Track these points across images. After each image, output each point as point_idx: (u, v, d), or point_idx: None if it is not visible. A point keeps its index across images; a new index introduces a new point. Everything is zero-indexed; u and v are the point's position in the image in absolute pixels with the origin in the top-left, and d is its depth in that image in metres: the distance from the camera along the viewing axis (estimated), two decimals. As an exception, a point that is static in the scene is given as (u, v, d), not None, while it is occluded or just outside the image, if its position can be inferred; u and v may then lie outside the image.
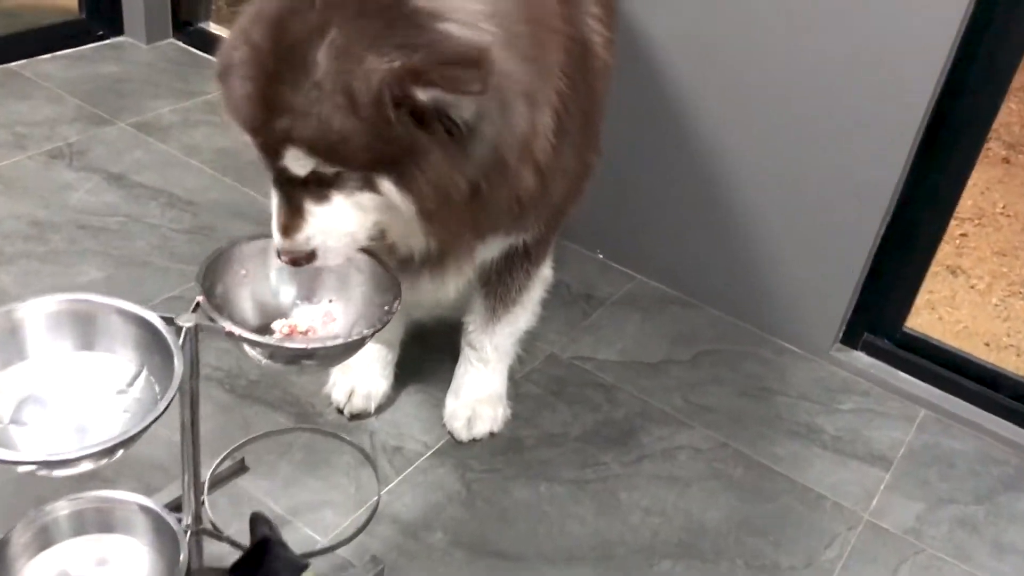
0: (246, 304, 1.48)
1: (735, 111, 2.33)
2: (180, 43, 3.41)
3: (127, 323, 1.35)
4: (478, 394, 2.07)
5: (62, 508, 1.51)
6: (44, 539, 1.51)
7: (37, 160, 2.72)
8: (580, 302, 2.56)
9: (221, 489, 1.87)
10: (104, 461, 1.26)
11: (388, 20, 1.26)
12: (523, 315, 2.02)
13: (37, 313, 1.31)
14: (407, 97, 1.25)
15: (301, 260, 1.40)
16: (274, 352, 1.38)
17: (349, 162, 1.32)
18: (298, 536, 1.81)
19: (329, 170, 1.33)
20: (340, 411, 2.07)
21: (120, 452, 1.24)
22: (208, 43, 3.22)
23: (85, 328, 1.34)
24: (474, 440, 2.06)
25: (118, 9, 3.31)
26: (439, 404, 2.12)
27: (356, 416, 2.06)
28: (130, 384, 1.35)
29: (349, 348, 1.40)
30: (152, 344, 1.34)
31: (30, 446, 1.26)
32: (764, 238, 2.44)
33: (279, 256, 1.41)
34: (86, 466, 1.26)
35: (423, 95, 1.25)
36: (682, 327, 2.52)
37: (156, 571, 1.52)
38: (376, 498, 1.88)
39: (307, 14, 1.26)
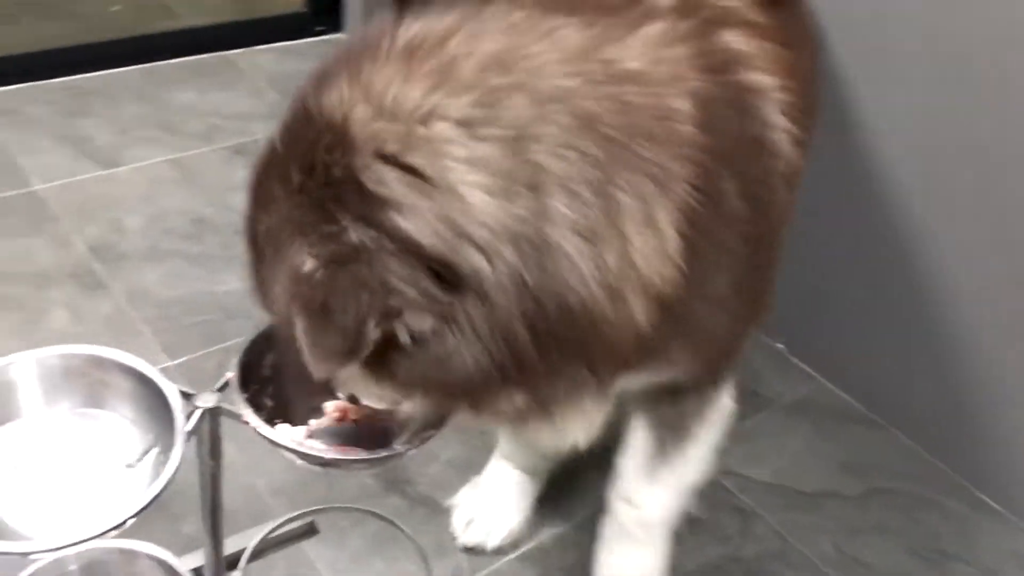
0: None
1: (967, 199, 1.92)
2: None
3: (141, 388, 1.23)
4: (634, 571, 1.70)
5: (70, 562, 1.43)
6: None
7: (220, 154, 2.72)
8: (741, 399, 2.22)
9: (282, 551, 1.74)
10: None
11: (329, 202, 0.98)
12: (696, 459, 1.59)
13: (44, 366, 1.21)
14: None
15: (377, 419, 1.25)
16: (298, 455, 1.21)
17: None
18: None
19: None
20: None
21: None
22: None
23: (95, 387, 1.23)
24: None
25: (340, 6, 3.29)
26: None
27: (471, 550, 1.82)
28: (139, 459, 1.22)
29: (375, 464, 1.22)
30: (167, 417, 1.21)
31: (9, 505, 1.16)
32: (987, 363, 2.00)
33: None
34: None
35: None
36: (858, 452, 2.13)
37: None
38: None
39: (268, 179, 1.05)
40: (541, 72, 1.05)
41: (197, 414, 1.20)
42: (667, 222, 1.15)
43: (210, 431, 1.23)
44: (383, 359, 1.05)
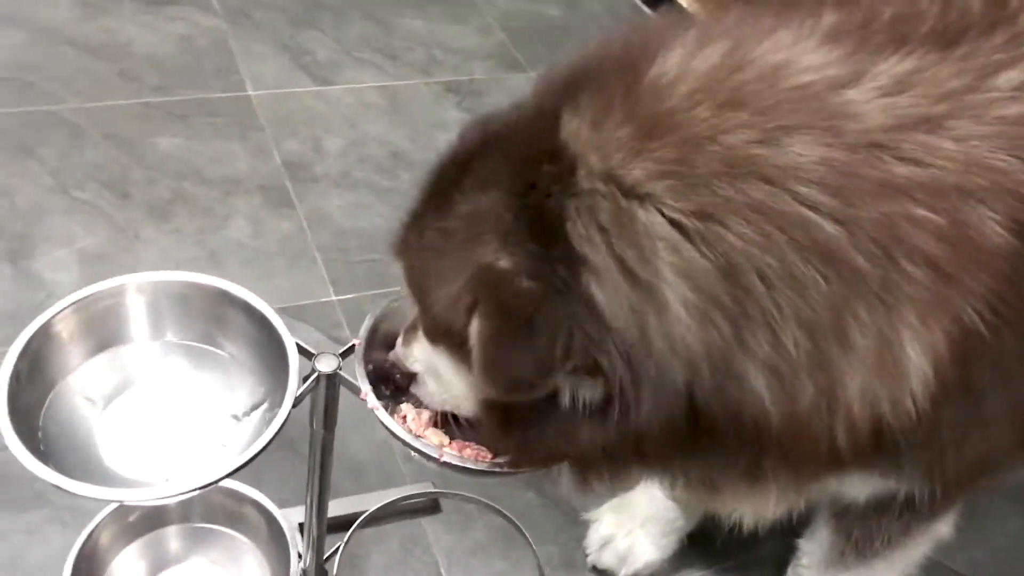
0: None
1: None
2: (639, 1, 3.12)
3: (263, 336, 1.11)
4: None
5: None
6: (149, 523, 1.37)
7: (433, 88, 2.60)
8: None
9: (400, 522, 1.62)
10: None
11: (537, 224, 0.88)
12: (886, 573, 1.41)
13: (168, 292, 1.10)
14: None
15: (396, 373, 1.09)
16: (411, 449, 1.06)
17: (438, 338, 1.01)
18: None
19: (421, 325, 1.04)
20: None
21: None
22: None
23: (217, 323, 1.12)
24: None
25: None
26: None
27: (601, 573, 1.65)
28: (247, 414, 1.10)
29: (487, 475, 1.06)
30: (284, 372, 1.08)
31: (111, 440, 1.07)
32: None
33: None
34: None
35: (471, 326, 0.91)
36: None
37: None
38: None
39: (504, 159, 0.92)
40: (785, 194, 0.85)
41: (312, 378, 1.07)
42: (919, 361, 0.94)
43: (325, 398, 1.10)
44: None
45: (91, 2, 2.56)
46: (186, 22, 2.59)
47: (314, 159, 2.30)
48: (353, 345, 1.11)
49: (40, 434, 1.00)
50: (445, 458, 1.02)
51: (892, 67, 0.92)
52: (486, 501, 1.58)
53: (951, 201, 0.90)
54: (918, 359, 0.94)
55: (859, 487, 1.19)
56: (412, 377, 1.08)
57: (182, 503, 1.38)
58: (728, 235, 0.85)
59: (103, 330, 1.08)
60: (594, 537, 1.65)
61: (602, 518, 1.66)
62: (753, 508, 1.18)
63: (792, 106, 0.88)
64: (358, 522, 1.51)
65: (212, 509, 1.40)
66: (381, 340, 1.13)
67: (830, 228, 0.86)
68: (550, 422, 0.95)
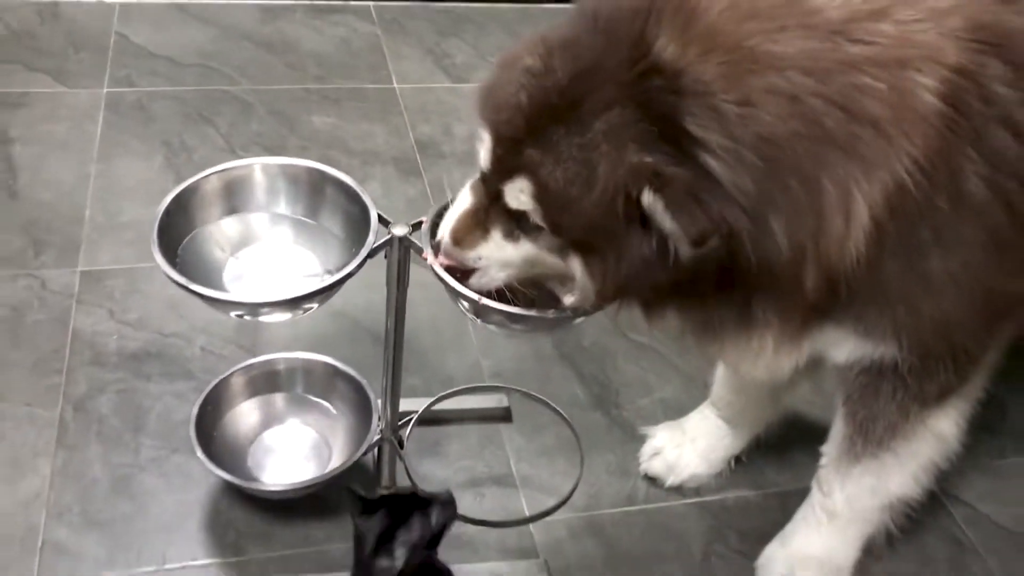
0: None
1: None
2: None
3: (355, 210, 1.40)
4: (809, 550, 1.65)
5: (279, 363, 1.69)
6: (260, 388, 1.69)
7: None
8: (1007, 426, 1.98)
9: (479, 425, 1.87)
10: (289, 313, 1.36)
11: (662, 127, 1.14)
12: (896, 472, 1.53)
13: (263, 173, 1.43)
14: (636, 198, 1.15)
15: (455, 273, 1.31)
16: (475, 309, 1.32)
17: (560, 229, 1.22)
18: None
19: (541, 223, 1.23)
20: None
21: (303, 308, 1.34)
22: None
23: (318, 198, 1.43)
24: None
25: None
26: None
27: (651, 480, 1.84)
28: (339, 268, 1.38)
29: (546, 325, 1.33)
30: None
31: (232, 276, 1.39)
32: None
33: (434, 253, 1.33)
34: (274, 314, 1.36)
35: (646, 200, 1.14)
36: None
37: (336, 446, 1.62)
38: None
39: (613, 81, 1.16)
40: (785, 76, 1.13)
41: (386, 239, 1.35)
42: (862, 203, 1.18)
43: (398, 260, 1.37)
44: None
45: (270, 8, 3.00)
46: (347, 27, 2.99)
47: (443, 140, 2.62)
48: (421, 221, 1.38)
49: (177, 260, 1.32)
50: (500, 306, 1.27)
51: None
52: (555, 408, 1.79)
53: (891, 70, 1.16)
54: (861, 207, 1.18)
55: (841, 345, 1.37)
56: (470, 272, 1.30)
57: (288, 374, 1.70)
58: (761, 114, 1.13)
59: (234, 198, 1.41)
60: (647, 448, 1.85)
61: (656, 433, 1.86)
62: (757, 357, 1.36)
63: (784, 12, 1.16)
64: (434, 399, 1.78)
65: (312, 381, 1.71)
66: None
67: (810, 100, 1.13)
68: (642, 265, 1.18)
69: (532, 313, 1.31)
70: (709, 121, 1.13)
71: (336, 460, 1.64)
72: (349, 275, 1.31)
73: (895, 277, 1.26)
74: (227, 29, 2.89)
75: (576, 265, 1.24)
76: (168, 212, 1.32)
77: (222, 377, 1.67)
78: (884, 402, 1.45)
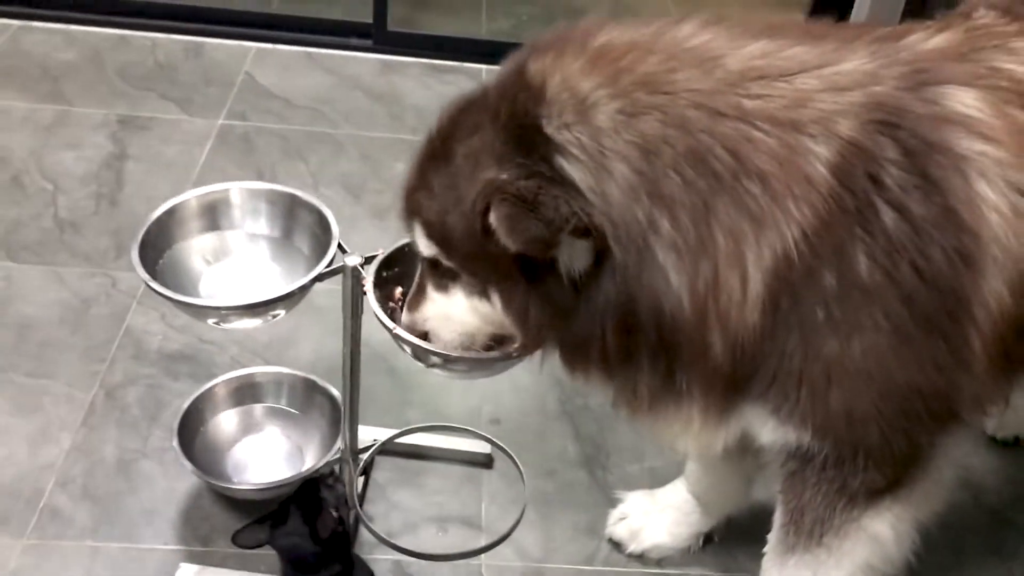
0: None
1: None
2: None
3: (323, 235, 1.54)
4: None
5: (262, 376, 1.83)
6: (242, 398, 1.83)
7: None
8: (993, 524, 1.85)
9: (463, 466, 1.94)
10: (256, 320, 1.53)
11: (521, 140, 1.18)
12: (832, 570, 1.45)
13: (247, 196, 1.59)
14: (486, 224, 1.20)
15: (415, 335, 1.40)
16: (414, 349, 1.41)
17: (462, 262, 1.28)
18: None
19: (450, 264, 1.30)
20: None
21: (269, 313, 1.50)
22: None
23: (286, 220, 1.59)
24: None
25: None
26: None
27: (615, 544, 1.84)
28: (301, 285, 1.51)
29: (478, 365, 1.41)
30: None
31: (209, 284, 1.55)
32: None
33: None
34: (242, 320, 1.51)
35: (491, 217, 1.18)
36: None
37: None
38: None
39: (482, 110, 1.24)
40: (676, 100, 1.17)
41: (339, 266, 1.47)
42: (755, 265, 1.19)
43: (352, 290, 1.48)
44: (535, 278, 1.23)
45: (391, 63, 3.23)
46: (455, 86, 3.16)
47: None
48: (375, 256, 1.49)
49: (156, 271, 1.48)
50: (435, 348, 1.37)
51: (766, 46, 1.22)
52: (505, 450, 1.84)
53: (784, 130, 1.17)
54: (754, 265, 1.18)
55: (764, 426, 1.34)
56: (425, 335, 1.40)
57: (271, 386, 1.86)
58: (643, 126, 1.16)
59: (213, 215, 1.57)
60: (615, 512, 1.86)
61: (628, 498, 1.87)
62: (685, 430, 1.36)
63: (685, 55, 1.20)
64: (404, 430, 1.88)
65: (293, 394, 1.85)
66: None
67: (699, 134, 1.16)
68: (550, 301, 1.23)
69: (466, 355, 1.39)
70: (569, 125, 1.16)
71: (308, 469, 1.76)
72: (298, 290, 1.46)
73: (796, 358, 1.24)
74: (345, 79, 3.13)
75: (496, 303, 1.29)
76: (148, 231, 1.50)
77: (208, 386, 1.84)
78: (811, 493, 1.41)
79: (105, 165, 2.62)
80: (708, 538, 1.83)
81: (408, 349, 1.42)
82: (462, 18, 3.60)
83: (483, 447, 1.92)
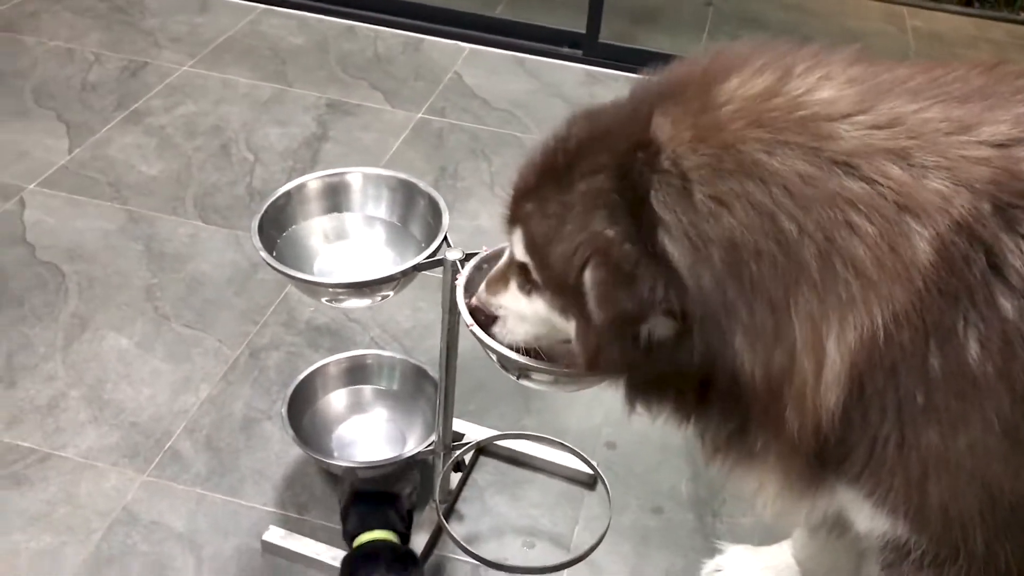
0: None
1: None
2: None
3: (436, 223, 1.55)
4: None
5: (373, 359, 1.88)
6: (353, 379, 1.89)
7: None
8: None
9: (566, 483, 1.88)
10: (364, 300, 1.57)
11: (632, 202, 1.13)
12: None
13: (369, 181, 1.63)
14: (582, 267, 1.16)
15: (479, 316, 1.38)
16: (500, 358, 1.39)
17: (550, 285, 1.25)
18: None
19: (537, 277, 1.26)
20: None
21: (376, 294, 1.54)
22: None
23: (404, 207, 1.61)
24: None
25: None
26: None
27: None
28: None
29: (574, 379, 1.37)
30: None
31: (324, 263, 1.61)
32: None
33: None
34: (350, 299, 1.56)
35: (586, 275, 1.15)
36: None
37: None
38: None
39: (609, 150, 1.18)
40: (769, 190, 1.08)
41: (437, 256, 1.46)
42: (836, 348, 1.09)
43: (450, 284, 1.47)
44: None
45: (596, 75, 3.22)
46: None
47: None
48: (477, 253, 1.47)
49: (275, 251, 1.54)
50: (523, 359, 1.34)
51: (897, 106, 1.08)
52: (602, 478, 1.77)
53: (888, 214, 1.05)
54: (833, 351, 1.08)
55: (859, 512, 1.22)
56: (493, 319, 1.37)
57: (383, 372, 1.89)
58: (731, 218, 1.09)
59: (334, 197, 1.61)
60: (711, 563, 1.75)
61: (728, 550, 1.75)
62: (762, 488, 1.27)
63: (795, 128, 1.10)
64: (502, 433, 1.87)
65: (403, 378, 1.88)
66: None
67: (786, 223, 1.07)
68: (624, 351, 1.19)
69: (544, 366, 1.35)
70: (674, 203, 1.11)
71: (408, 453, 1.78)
72: (399, 275, 1.49)
73: (891, 443, 1.12)
74: (547, 85, 3.15)
75: (572, 328, 1.26)
76: (277, 205, 1.57)
77: (322, 363, 1.90)
78: None
79: (305, 144, 2.79)
80: (808, 610, 1.68)
81: (493, 356, 1.40)
82: (681, 36, 3.53)
83: (588, 468, 1.86)
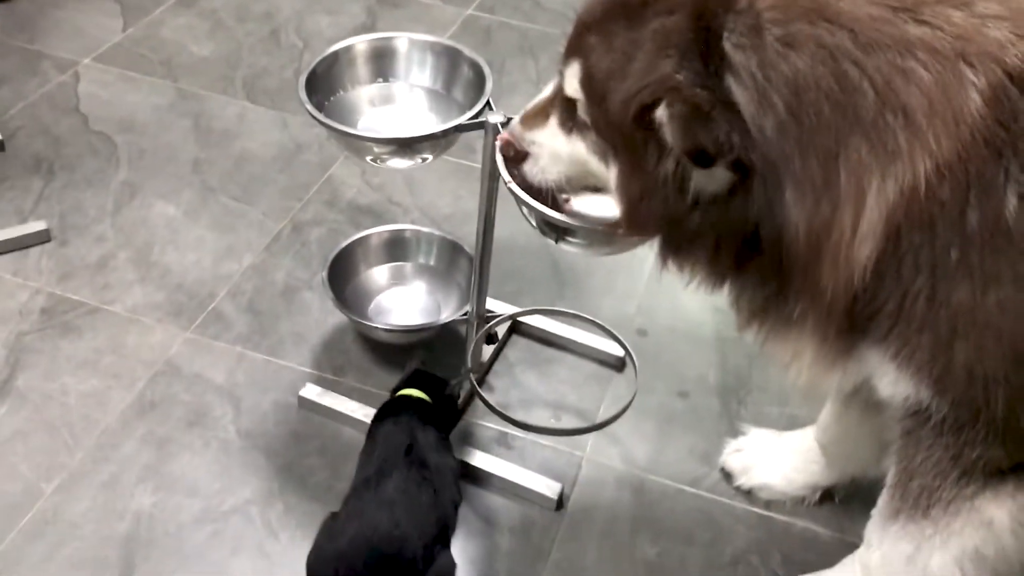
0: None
1: None
2: None
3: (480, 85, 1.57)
4: None
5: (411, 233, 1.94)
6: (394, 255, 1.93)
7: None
8: None
9: (596, 366, 1.92)
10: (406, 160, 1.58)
11: (706, 44, 1.11)
12: (936, 549, 1.31)
13: (415, 46, 1.65)
14: (652, 107, 1.13)
15: (509, 151, 1.37)
16: (537, 218, 1.40)
17: (601, 124, 1.22)
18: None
19: (585, 117, 1.25)
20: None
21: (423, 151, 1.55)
22: None
23: (448, 73, 1.63)
24: None
25: None
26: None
27: (724, 472, 1.76)
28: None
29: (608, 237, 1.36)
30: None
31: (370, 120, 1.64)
32: None
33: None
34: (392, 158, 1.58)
35: (659, 113, 1.12)
36: None
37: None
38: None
39: None
40: (834, 31, 1.07)
41: (479, 119, 1.48)
42: (876, 199, 1.09)
43: (491, 148, 1.49)
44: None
45: None
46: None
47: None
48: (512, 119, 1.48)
49: (323, 110, 1.57)
50: (572, 205, 1.33)
51: None
52: (629, 350, 1.79)
53: (943, 61, 1.06)
54: (872, 202, 1.09)
55: (884, 375, 1.23)
56: (524, 156, 1.37)
57: (420, 247, 1.94)
58: (798, 60, 1.08)
59: (380, 63, 1.63)
60: (733, 443, 1.78)
61: (751, 431, 1.79)
62: (796, 359, 1.29)
63: None
64: (534, 308, 1.92)
65: (440, 253, 1.93)
66: None
67: (850, 67, 1.07)
68: (665, 203, 1.18)
69: (583, 223, 1.35)
70: (746, 45, 1.09)
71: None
72: (440, 134, 1.50)
73: (921, 300, 1.13)
74: (600, -12, 3.12)
75: (613, 174, 1.24)
76: (323, 68, 1.60)
77: (364, 234, 1.93)
78: (923, 456, 1.28)
79: (354, 32, 2.73)
80: (827, 495, 1.70)
81: (532, 218, 1.42)
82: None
83: (618, 349, 1.89)
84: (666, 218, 1.20)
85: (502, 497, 1.68)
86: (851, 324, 1.20)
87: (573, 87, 1.25)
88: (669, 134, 1.12)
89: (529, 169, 1.37)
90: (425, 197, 2.26)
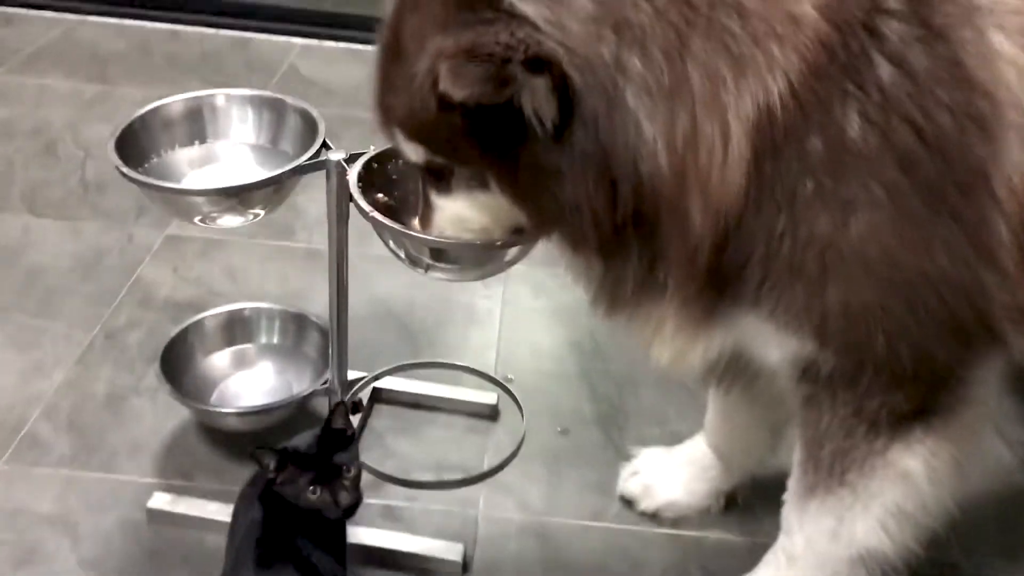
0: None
1: None
2: None
3: (310, 136, 1.46)
4: None
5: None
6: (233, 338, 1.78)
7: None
8: None
9: (467, 418, 1.81)
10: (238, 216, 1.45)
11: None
12: (858, 514, 1.28)
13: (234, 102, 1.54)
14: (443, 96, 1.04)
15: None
16: (398, 239, 1.32)
17: (447, 152, 1.14)
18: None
19: (439, 160, 1.17)
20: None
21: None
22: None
23: (279, 127, 1.52)
24: None
25: None
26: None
27: (624, 500, 1.68)
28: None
29: (481, 255, 1.32)
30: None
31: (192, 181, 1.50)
32: None
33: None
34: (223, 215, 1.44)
35: (440, 84, 1.03)
36: None
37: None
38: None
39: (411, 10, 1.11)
40: None
41: (322, 159, 1.38)
42: (736, 117, 1.04)
43: (336, 189, 1.39)
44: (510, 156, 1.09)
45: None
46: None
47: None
48: (362, 153, 1.40)
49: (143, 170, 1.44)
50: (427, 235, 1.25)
51: None
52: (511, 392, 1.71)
53: None
54: (733, 120, 1.02)
55: (763, 339, 1.19)
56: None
57: (263, 326, 1.79)
58: None
59: (197, 123, 1.51)
60: (628, 467, 1.70)
61: (642, 455, 1.71)
62: (658, 331, 1.22)
63: None
64: (401, 364, 1.81)
65: (284, 331, 1.78)
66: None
67: None
68: (535, 164, 1.07)
69: (454, 241, 1.25)
70: None
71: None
72: (278, 177, 1.38)
73: (787, 241, 1.08)
74: (387, 70, 3.11)
75: (496, 189, 1.15)
76: (137, 129, 1.47)
77: (198, 318, 1.76)
78: (827, 419, 1.24)
79: None
80: (731, 500, 1.66)
81: (400, 248, 1.32)
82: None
83: (489, 398, 1.80)
84: (545, 182, 1.09)
85: (404, 573, 1.52)
86: (716, 281, 1.14)
87: (411, 149, 1.17)
88: (451, 93, 1.02)
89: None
90: (249, 283, 2.10)
